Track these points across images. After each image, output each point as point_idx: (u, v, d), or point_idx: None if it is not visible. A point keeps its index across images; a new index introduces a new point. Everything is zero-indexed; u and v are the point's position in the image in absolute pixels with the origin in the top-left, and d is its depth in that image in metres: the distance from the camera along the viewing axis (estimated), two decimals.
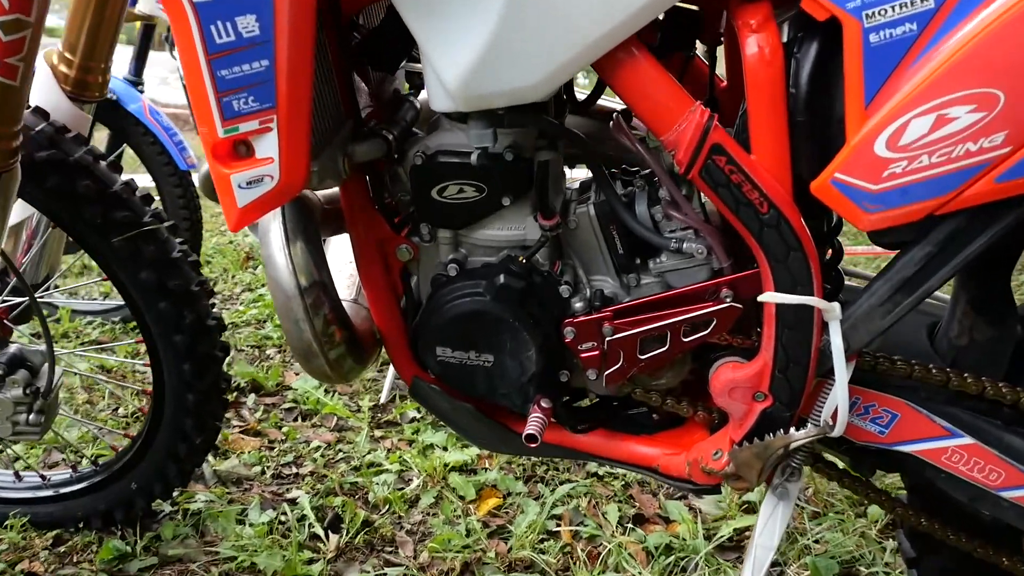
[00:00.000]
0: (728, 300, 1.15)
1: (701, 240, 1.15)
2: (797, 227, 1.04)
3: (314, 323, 1.23)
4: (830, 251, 1.24)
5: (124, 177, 1.49)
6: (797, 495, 1.26)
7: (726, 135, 1.03)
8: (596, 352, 1.21)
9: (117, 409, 2.42)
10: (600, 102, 1.46)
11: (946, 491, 1.21)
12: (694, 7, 1.28)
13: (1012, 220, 0.99)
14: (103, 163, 1.45)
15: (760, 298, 1.08)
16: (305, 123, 1.03)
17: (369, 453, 2.18)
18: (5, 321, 1.62)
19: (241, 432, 2.30)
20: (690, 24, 1.28)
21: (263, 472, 2.10)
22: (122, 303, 2.55)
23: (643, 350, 1.20)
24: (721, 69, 1.49)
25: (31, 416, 1.53)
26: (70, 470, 1.84)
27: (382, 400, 2.48)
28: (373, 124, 1.24)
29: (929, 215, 0.98)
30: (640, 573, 1.74)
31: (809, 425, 1.15)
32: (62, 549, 1.77)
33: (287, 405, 2.49)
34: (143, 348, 1.61)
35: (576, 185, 1.29)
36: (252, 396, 2.52)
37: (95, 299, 3.17)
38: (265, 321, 3.09)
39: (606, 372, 1.22)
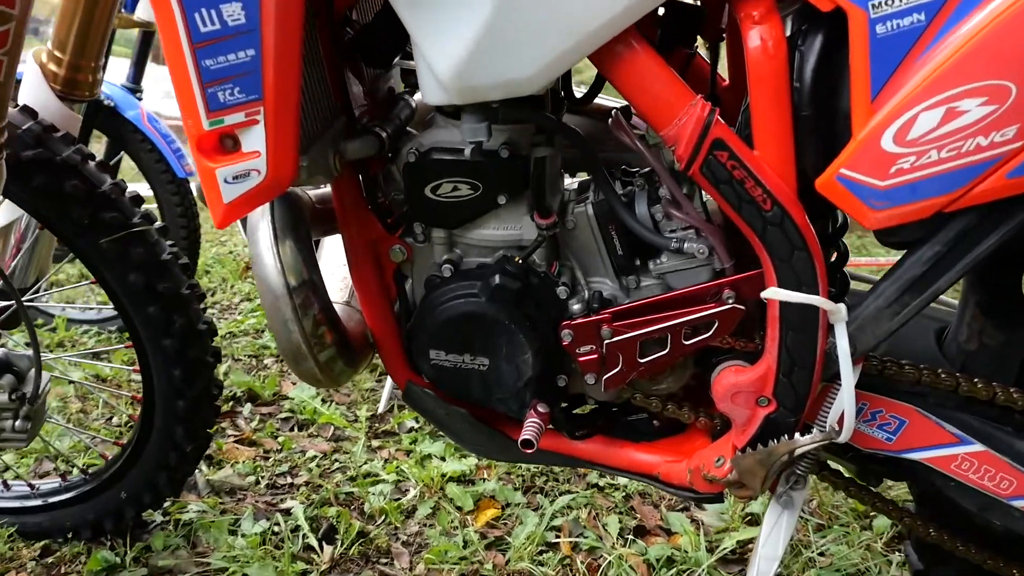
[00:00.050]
0: (730, 302, 1.12)
1: (703, 240, 1.13)
2: (802, 225, 1.01)
3: (303, 324, 1.20)
4: (835, 253, 1.21)
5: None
6: (801, 505, 1.23)
7: (728, 130, 1.00)
8: (594, 355, 1.18)
9: (111, 419, 2.38)
10: (600, 101, 1.43)
11: (955, 500, 1.19)
12: (695, 1, 1.25)
13: None
14: (92, 163, 1.42)
15: (763, 294, 1.05)
16: (293, 116, 1.00)
17: (366, 463, 2.15)
18: None
19: (236, 442, 2.26)
20: (691, 19, 1.25)
21: (257, 482, 2.06)
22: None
23: (643, 353, 1.17)
24: (723, 69, 1.46)
25: (17, 423, 1.50)
26: (59, 479, 1.80)
27: (380, 410, 2.44)
28: (366, 121, 1.21)
29: (938, 212, 0.96)
30: None
31: (814, 431, 1.12)
32: (50, 560, 1.74)
33: (283, 415, 2.45)
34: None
35: (574, 185, 1.26)
36: (248, 406, 2.48)
37: (91, 308, 3.14)
38: (263, 331, 3.06)
39: (605, 376, 1.19)
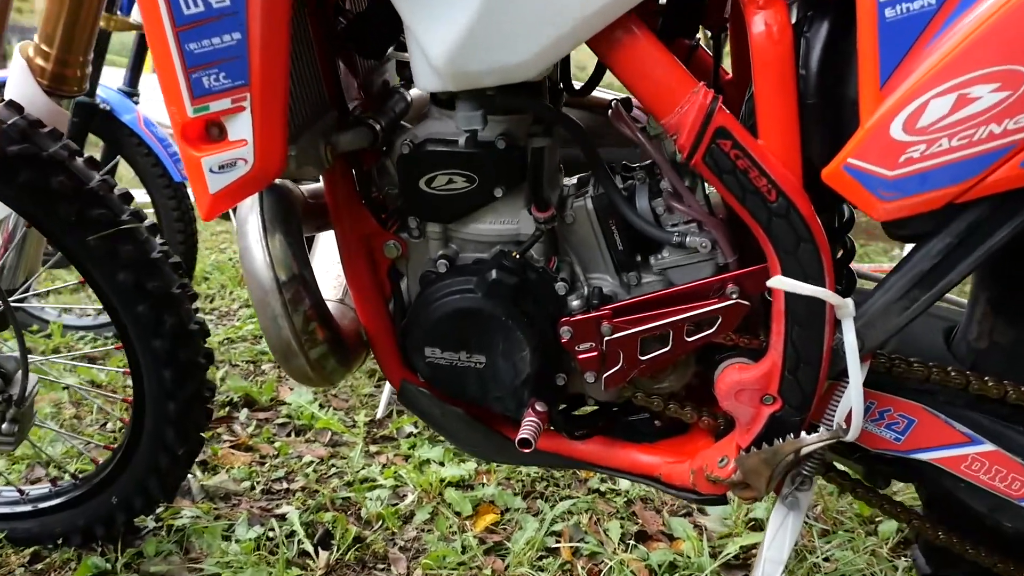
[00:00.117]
0: (734, 297, 1.09)
1: (705, 234, 1.10)
2: (808, 216, 0.99)
3: (293, 320, 1.17)
4: (841, 250, 1.19)
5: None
6: (807, 508, 1.20)
7: (732, 118, 0.98)
8: (594, 353, 1.15)
9: (105, 424, 2.35)
10: (600, 95, 1.40)
11: (965, 502, 1.16)
12: None
13: None
14: (79, 159, 1.39)
15: (769, 283, 1.02)
16: (282, 103, 0.97)
17: (363, 468, 2.11)
18: None
19: (232, 447, 2.23)
20: (693, 7, 1.22)
21: (252, 487, 2.03)
22: None
23: (644, 351, 1.14)
24: (726, 66, 1.44)
25: (4, 425, 1.48)
26: (49, 484, 1.77)
27: (378, 415, 2.41)
28: (359, 113, 1.18)
29: (949, 203, 0.93)
30: None
31: (821, 429, 1.09)
32: (39, 566, 1.70)
33: (280, 420, 2.42)
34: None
35: (573, 180, 1.23)
36: (245, 411, 2.45)
37: (88, 315, 3.11)
38: (261, 337, 3.03)
39: (605, 375, 1.17)
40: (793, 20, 0.98)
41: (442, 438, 2.21)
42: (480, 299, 1.14)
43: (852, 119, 0.93)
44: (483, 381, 1.20)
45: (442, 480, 2.03)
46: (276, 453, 2.20)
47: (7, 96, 1.43)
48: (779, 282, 1.00)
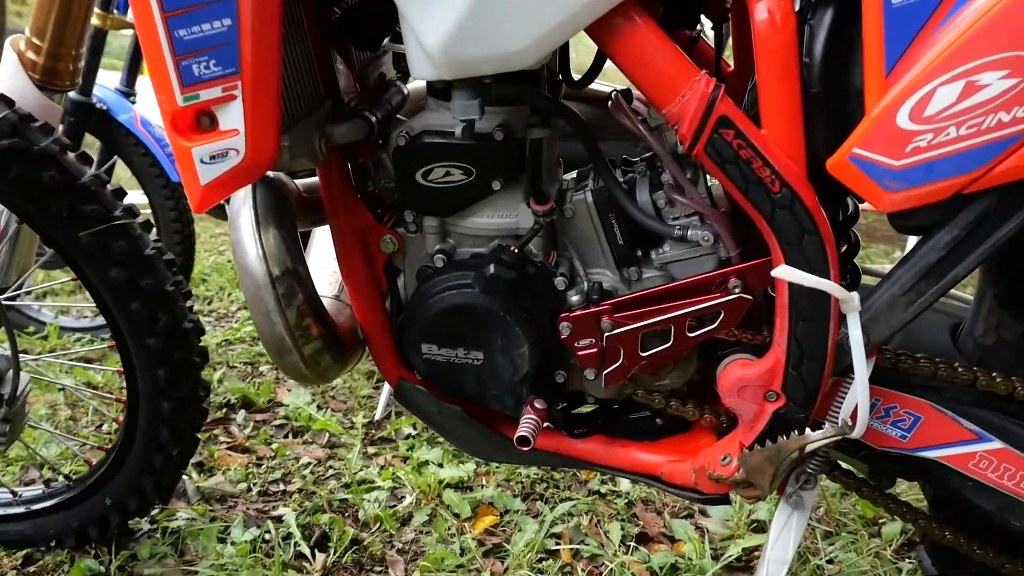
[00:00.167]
0: (737, 291, 1.08)
1: (707, 227, 1.08)
2: (812, 207, 0.97)
3: (286, 315, 1.15)
4: (845, 245, 1.17)
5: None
6: (811, 507, 1.18)
7: (734, 107, 0.96)
8: (594, 349, 1.13)
9: (101, 426, 2.33)
10: (600, 88, 1.38)
11: (972, 501, 1.14)
12: None
13: None
14: (71, 154, 1.37)
15: (773, 272, 1.00)
16: (274, 92, 0.96)
17: (361, 470, 2.09)
18: None
19: (228, 449, 2.21)
20: None
21: (249, 489, 2.00)
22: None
23: (645, 347, 1.13)
24: (728, 61, 1.42)
25: None
26: (43, 486, 1.75)
27: (377, 416, 2.39)
28: (354, 105, 1.16)
29: (956, 194, 0.92)
30: None
31: (827, 426, 1.07)
32: (32, 569, 1.68)
33: (278, 422, 2.40)
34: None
35: (573, 175, 1.21)
36: (242, 412, 2.43)
37: (85, 316, 3.10)
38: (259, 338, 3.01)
39: (605, 371, 1.15)
40: (796, 7, 0.96)
41: (441, 439, 2.20)
42: (478, 294, 1.12)
43: (857, 108, 0.92)
44: (481, 378, 1.18)
45: (441, 481, 2.01)
46: (273, 455, 2.18)
47: None
48: (783, 272, 0.98)
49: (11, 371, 1.48)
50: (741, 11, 1.17)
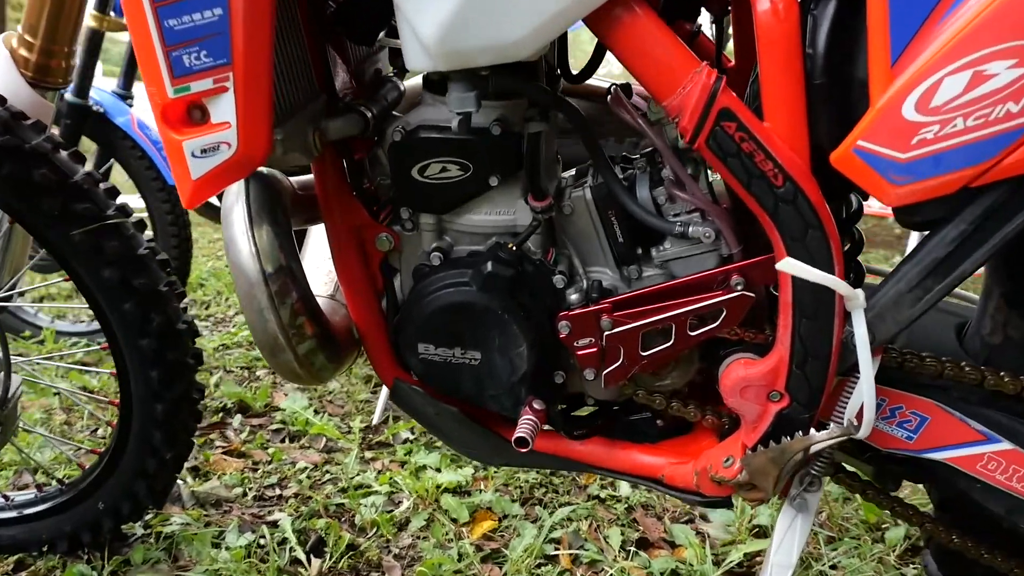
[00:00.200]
0: (739, 289, 1.06)
1: (709, 223, 1.06)
2: (816, 202, 0.95)
3: (280, 313, 1.12)
4: (849, 242, 1.14)
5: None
6: (816, 510, 1.16)
7: (736, 99, 0.94)
8: (594, 349, 1.11)
9: (96, 431, 2.31)
10: (599, 84, 1.36)
11: (980, 503, 1.12)
12: None
13: None
14: (63, 152, 1.35)
15: (777, 266, 0.98)
16: (266, 85, 0.94)
17: (358, 475, 2.07)
18: None
19: (224, 453, 2.19)
20: None
21: (244, 494, 1.98)
22: None
23: (645, 346, 1.11)
24: (729, 56, 1.40)
25: None
26: (35, 490, 1.72)
27: (374, 421, 2.38)
28: (350, 100, 1.14)
29: (964, 187, 0.90)
30: None
31: (831, 427, 1.04)
32: (24, 574, 1.66)
33: (274, 426, 2.38)
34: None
35: (572, 172, 1.19)
36: (238, 417, 2.42)
37: (82, 320, 3.08)
38: None
39: (605, 371, 1.13)
40: None
41: (439, 443, 2.18)
42: (475, 293, 1.10)
43: (862, 100, 0.90)
44: (478, 378, 1.16)
45: (438, 486, 2.00)
46: (269, 459, 2.16)
47: None
48: (788, 265, 0.96)
49: (1, 373, 1.45)
50: (742, 2, 1.15)
